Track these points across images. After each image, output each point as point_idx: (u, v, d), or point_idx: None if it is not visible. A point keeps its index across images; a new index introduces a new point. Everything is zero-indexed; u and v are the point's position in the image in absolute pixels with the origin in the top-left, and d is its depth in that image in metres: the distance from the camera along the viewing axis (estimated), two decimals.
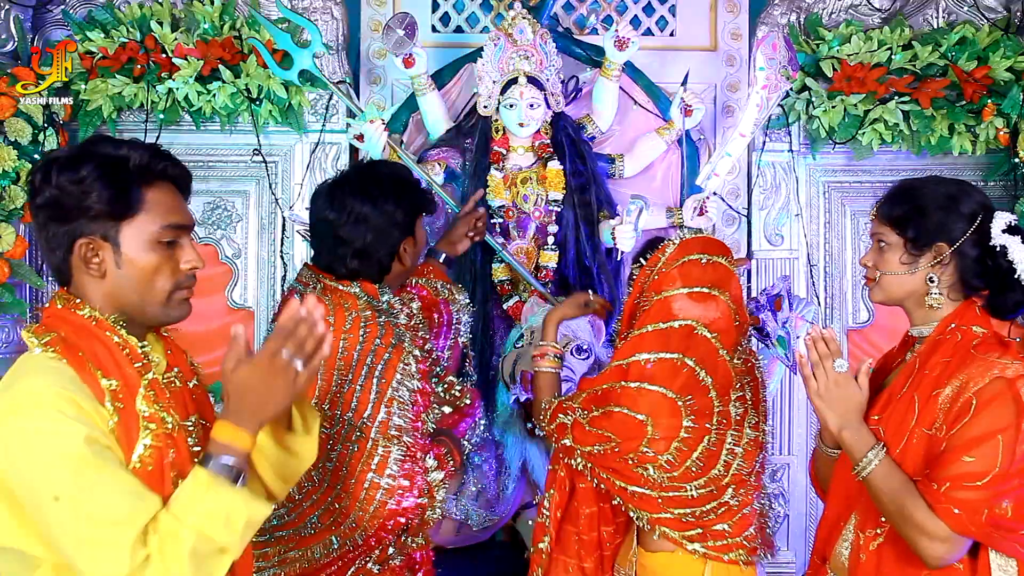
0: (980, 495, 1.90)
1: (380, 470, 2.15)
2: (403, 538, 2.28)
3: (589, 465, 2.43)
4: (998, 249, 2.04)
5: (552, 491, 2.58)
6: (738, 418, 2.41)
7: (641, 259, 2.54)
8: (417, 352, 2.31)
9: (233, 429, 1.58)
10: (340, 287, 2.34)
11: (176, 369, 1.75)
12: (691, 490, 2.36)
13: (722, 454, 2.37)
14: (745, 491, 2.43)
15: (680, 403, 2.34)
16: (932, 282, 2.09)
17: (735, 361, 2.43)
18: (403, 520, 2.19)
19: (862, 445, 2.02)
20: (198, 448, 1.68)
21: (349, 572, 2.25)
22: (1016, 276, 2.03)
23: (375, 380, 2.19)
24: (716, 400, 2.38)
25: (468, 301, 2.66)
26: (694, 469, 2.35)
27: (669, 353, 2.36)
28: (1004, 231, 2.03)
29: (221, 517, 1.52)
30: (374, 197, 2.37)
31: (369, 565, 2.25)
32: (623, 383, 2.38)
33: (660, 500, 2.38)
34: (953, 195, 2.10)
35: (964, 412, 1.93)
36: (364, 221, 2.35)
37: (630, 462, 2.36)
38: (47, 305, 1.71)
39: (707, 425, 2.36)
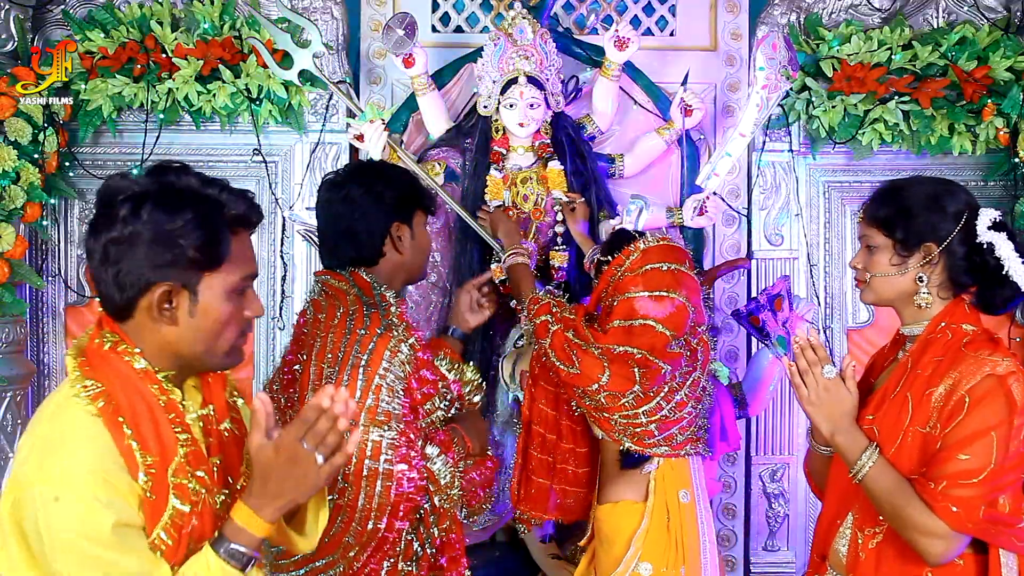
0: (977, 492, 1.93)
1: (375, 456, 2.16)
2: (421, 529, 2.28)
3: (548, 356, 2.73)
4: (985, 246, 2.07)
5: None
6: (680, 380, 2.70)
7: (610, 255, 2.81)
8: (413, 340, 2.30)
9: (251, 514, 1.57)
10: (335, 283, 2.39)
11: (211, 407, 1.70)
12: (618, 416, 2.69)
13: (653, 400, 2.68)
14: (679, 428, 2.75)
15: (636, 375, 2.63)
16: (922, 282, 2.12)
17: (692, 338, 2.74)
18: (411, 505, 2.19)
19: (855, 448, 2.05)
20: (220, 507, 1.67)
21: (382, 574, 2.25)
22: (1004, 272, 2.06)
23: (360, 369, 2.20)
24: (667, 376, 2.68)
25: (480, 380, 2.67)
26: (625, 409, 2.68)
27: (630, 347, 2.64)
28: (989, 228, 2.08)
29: None
30: (366, 180, 2.46)
31: (400, 566, 2.26)
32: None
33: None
34: (938, 195, 2.13)
35: (958, 410, 1.96)
36: (352, 200, 2.42)
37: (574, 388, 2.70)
38: (92, 333, 1.65)
39: (651, 392, 2.65)
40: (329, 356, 2.23)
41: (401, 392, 2.23)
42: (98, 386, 1.55)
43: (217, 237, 1.57)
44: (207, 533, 1.61)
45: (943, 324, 2.10)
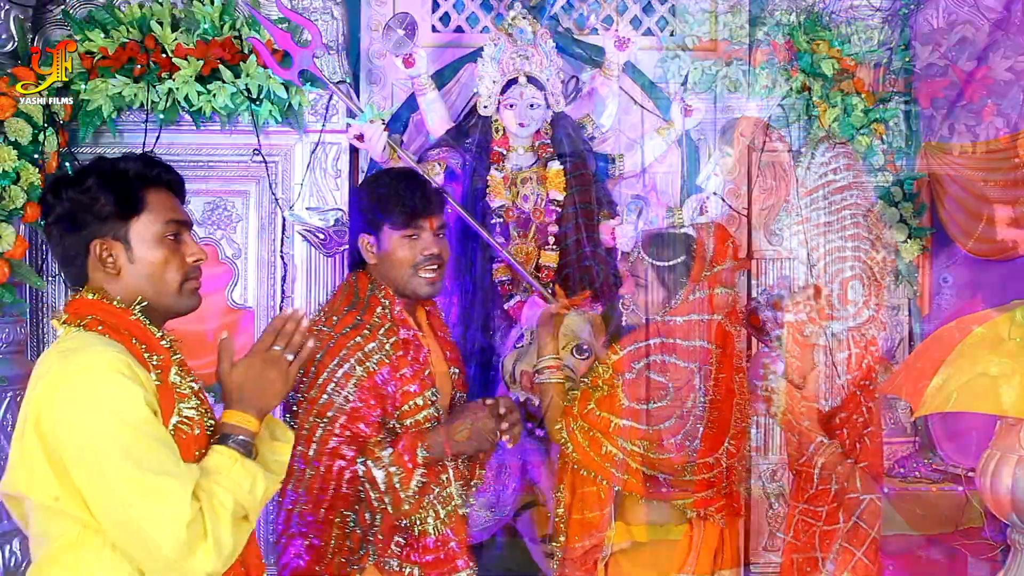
0: None
1: (307, 443, 2.31)
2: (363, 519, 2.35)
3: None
4: None
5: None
6: None
7: (647, 254, 2.74)
8: (388, 348, 2.37)
9: (240, 414, 1.81)
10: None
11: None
12: None
13: None
14: None
15: None
16: None
17: None
18: (346, 491, 2.30)
19: None
20: (210, 432, 1.87)
21: None
22: None
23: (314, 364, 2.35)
24: None
25: None
26: None
27: None
28: None
29: (247, 485, 1.76)
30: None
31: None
32: None
33: None
34: None
35: None
36: None
37: None
38: (71, 301, 1.87)
39: None
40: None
41: (352, 387, 2.30)
42: (91, 318, 1.81)
43: (124, 191, 1.85)
44: (203, 446, 1.83)
45: None
